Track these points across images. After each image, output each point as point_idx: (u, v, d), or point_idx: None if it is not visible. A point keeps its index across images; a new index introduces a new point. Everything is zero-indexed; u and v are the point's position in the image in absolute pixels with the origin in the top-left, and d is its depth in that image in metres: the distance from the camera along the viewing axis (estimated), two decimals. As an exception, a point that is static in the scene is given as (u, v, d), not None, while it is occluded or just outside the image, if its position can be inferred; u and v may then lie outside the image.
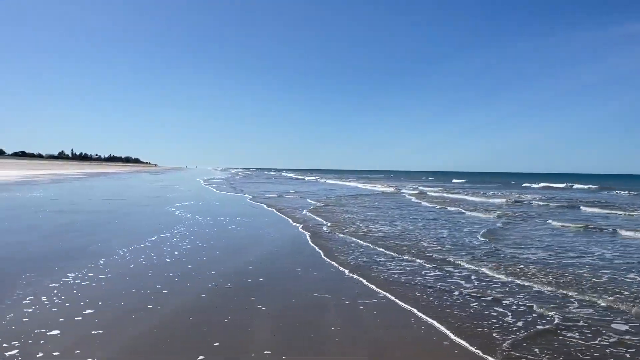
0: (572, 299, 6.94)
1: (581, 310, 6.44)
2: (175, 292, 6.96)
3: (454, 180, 76.84)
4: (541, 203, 26.84)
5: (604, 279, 8.24)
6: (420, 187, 45.33)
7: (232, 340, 5.15)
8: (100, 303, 6.30)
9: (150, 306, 6.25)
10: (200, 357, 4.69)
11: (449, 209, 22.25)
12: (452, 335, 5.41)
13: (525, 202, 27.47)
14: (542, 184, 61.22)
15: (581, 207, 24.52)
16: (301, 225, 14.70)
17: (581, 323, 5.88)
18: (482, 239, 12.49)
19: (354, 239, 12.03)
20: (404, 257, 9.85)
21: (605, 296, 7.09)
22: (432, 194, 35.18)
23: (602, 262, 9.87)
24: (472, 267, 8.99)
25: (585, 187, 55.74)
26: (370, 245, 11.19)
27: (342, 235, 12.53)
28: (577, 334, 5.51)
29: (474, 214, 19.75)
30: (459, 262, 9.45)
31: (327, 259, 9.62)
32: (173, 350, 4.84)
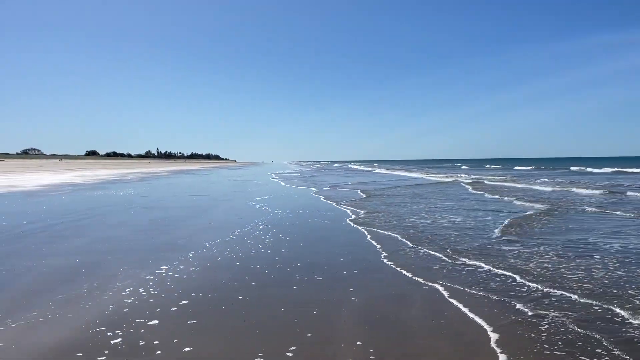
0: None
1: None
2: (264, 284, 6.87)
3: (516, 168, 73.78)
4: (586, 191, 23.42)
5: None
6: (478, 176, 43.31)
7: (322, 331, 4.97)
8: (193, 294, 6.30)
9: (240, 297, 6.17)
10: (292, 347, 4.54)
11: (494, 196, 21.11)
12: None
13: (568, 190, 24.34)
14: (608, 169, 56.78)
15: (627, 193, 21.78)
16: (354, 217, 14.28)
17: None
18: (513, 229, 11.57)
19: (401, 238, 11.49)
20: (451, 253, 8.98)
21: None
22: (488, 182, 33.33)
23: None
24: (519, 263, 8.01)
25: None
26: (417, 244, 10.61)
27: (385, 232, 11.45)
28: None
29: (520, 202, 18.32)
30: (508, 255, 8.73)
31: (382, 252, 9.29)
32: (266, 341, 4.70)
